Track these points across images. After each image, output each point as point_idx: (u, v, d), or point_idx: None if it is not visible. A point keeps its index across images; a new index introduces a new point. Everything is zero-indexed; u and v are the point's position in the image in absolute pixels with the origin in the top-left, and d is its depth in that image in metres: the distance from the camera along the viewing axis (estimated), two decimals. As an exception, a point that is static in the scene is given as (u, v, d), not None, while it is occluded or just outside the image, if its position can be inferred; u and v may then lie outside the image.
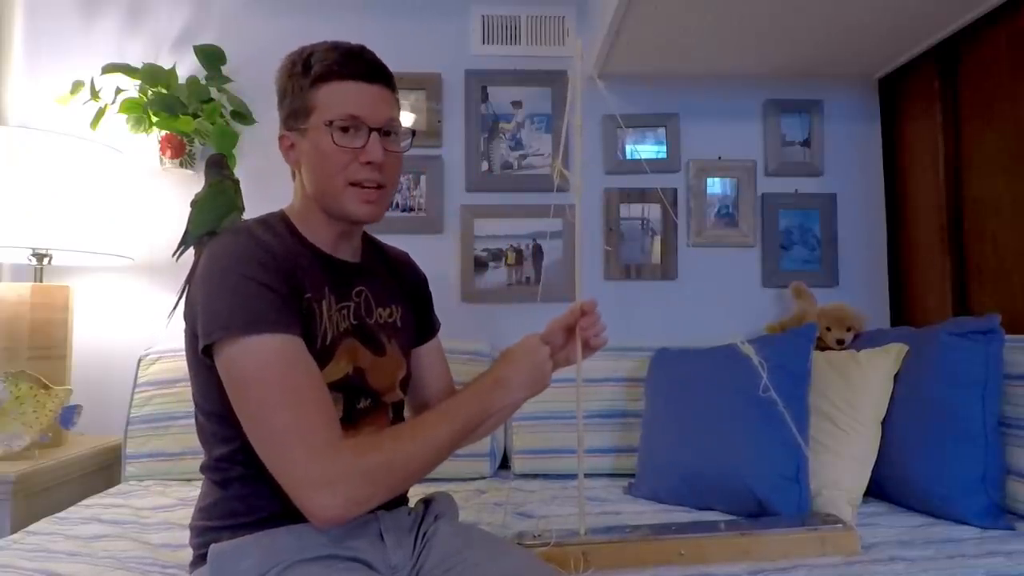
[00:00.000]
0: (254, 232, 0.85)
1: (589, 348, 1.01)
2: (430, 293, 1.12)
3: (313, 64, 0.86)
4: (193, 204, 1.02)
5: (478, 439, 1.09)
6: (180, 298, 0.90)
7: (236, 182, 1.06)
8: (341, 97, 0.86)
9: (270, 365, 0.76)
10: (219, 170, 1.05)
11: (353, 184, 0.87)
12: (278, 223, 0.90)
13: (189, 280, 0.87)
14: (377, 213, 0.91)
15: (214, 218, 0.99)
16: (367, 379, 0.90)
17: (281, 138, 0.92)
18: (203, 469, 0.88)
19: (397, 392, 0.96)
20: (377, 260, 1.02)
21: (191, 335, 0.84)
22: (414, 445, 0.79)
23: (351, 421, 0.87)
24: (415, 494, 1.01)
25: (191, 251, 0.99)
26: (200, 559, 0.84)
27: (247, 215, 0.98)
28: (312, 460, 0.74)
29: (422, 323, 1.08)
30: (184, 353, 0.88)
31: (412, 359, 1.05)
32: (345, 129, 0.85)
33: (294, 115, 0.88)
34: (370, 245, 1.02)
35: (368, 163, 0.86)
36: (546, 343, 0.94)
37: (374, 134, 0.87)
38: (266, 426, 0.76)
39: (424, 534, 0.91)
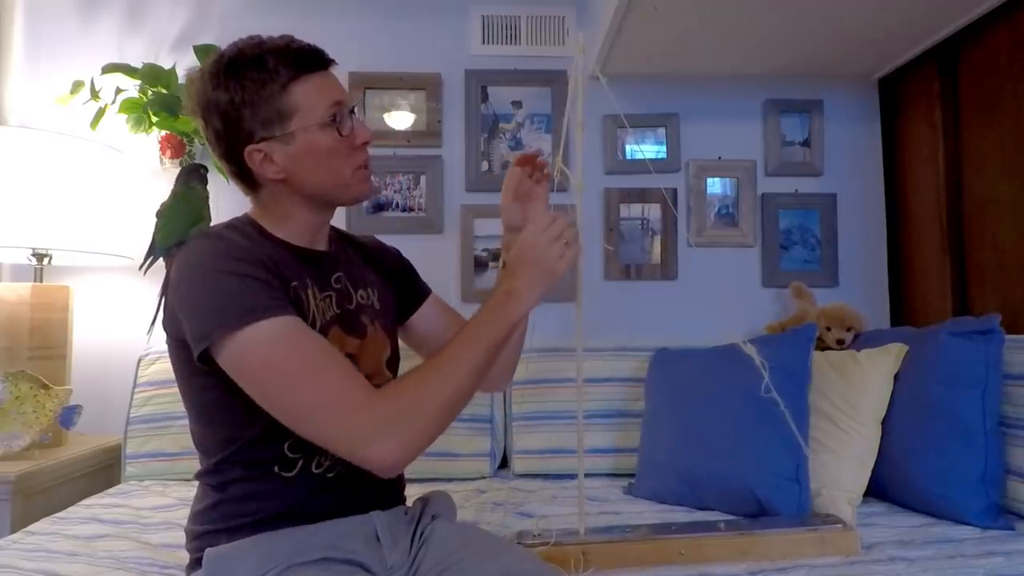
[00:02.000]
0: (224, 234, 0.84)
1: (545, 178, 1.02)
2: (408, 262, 1.12)
3: (274, 67, 0.82)
4: (159, 215, 1.01)
5: (519, 351, 1.10)
6: (158, 311, 0.89)
7: (206, 194, 1.06)
8: (320, 91, 0.85)
9: (277, 348, 0.75)
10: (187, 180, 1.05)
11: (357, 169, 0.89)
12: (245, 226, 0.88)
13: (164, 291, 0.86)
14: (372, 187, 0.94)
15: (181, 228, 0.99)
16: (358, 364, 0.90)
17: (250, 154, 0.84)
18: (200, 475, 0.87)
19: (385, 373, 0.96)
20: (348, 247, 1.02)
21: (177, 345, 0.83)
22: (441, 374, 0.78)
23: None
24: (412, 494, 1.01)
25: (160, 263, 0.98)
26: (196, 563, 0.84)
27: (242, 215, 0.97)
28: (351, 419, 0.74)
29: (409, 294, 1.09)
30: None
31: (418, 324, 1.09)
32: (337, 119, 0.86)
33: (266, 124, 0.83)
34: (337, 234, 1.02)
35: (364, 143, 0.89)
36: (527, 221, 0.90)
37: (356, 116, 0.89)
38: (295, 406, 0.75)
39: (421, 533, 0.91)
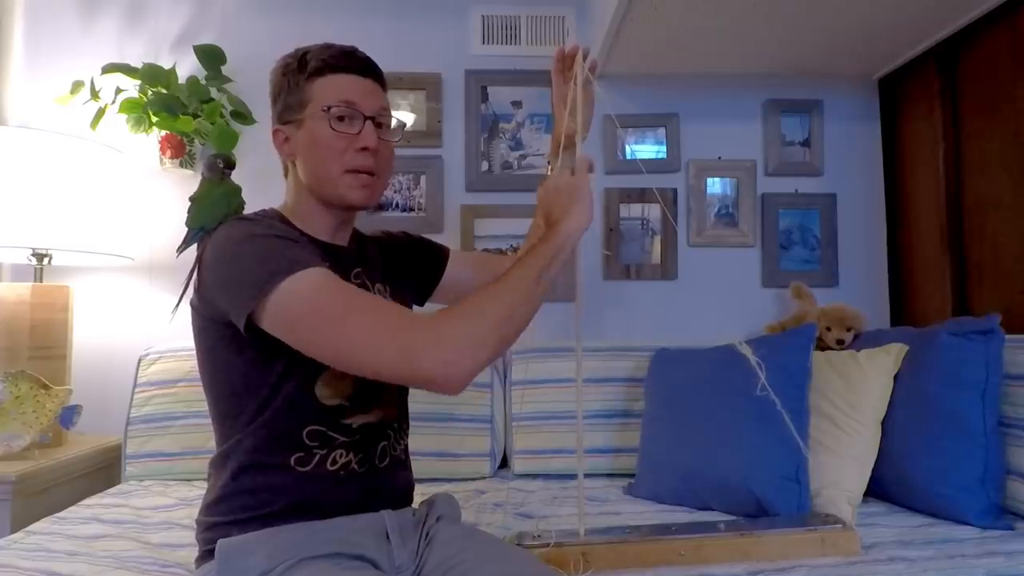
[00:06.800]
0: (255, 217, 0.89)
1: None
2: (416, 235, 1.16)
3: (308, 61, 0.90)
4: (193, 200, 1.03)
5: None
6: (185, 289, 0.92)
7: (237, 185, 1.08)
8: (336, 87, 0.90)
9: (318, 292, 0.77)
10: (222, 169, 1.07)
11: (349, 171, 0.90)
12: (273, 218, 0.92)
13: (196, 268, 0.88)
14: (371, 198, 0.93)
15: (220, 215, 1.01)
16: None
17: (275, 132, 0.94)
18: (215, 460, 0.88)
19: None
20: (364, 243, 1.05)
21: (207, 325, 0.85)
22: (495, 291, 0.79)
23: (361, 402, 0.88)
24: (418, 495, 1.01)
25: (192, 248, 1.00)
26: (207, 554, 0.84)
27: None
28: (402, 335, 0.74)
29: (429, 263, 1.13)
30: (193, 346, 0.89)
31: (454, 278, 1.14)
32: (341, 118, 0.88)
33: (289, 109, 0.91)
34: (355, 232, 1.04)
35: (363, 149, 0.89)
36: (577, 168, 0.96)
37: (368, 121, 0.90)
38: (345, 341, 0.75)
39: (427, 534, 0.92)
